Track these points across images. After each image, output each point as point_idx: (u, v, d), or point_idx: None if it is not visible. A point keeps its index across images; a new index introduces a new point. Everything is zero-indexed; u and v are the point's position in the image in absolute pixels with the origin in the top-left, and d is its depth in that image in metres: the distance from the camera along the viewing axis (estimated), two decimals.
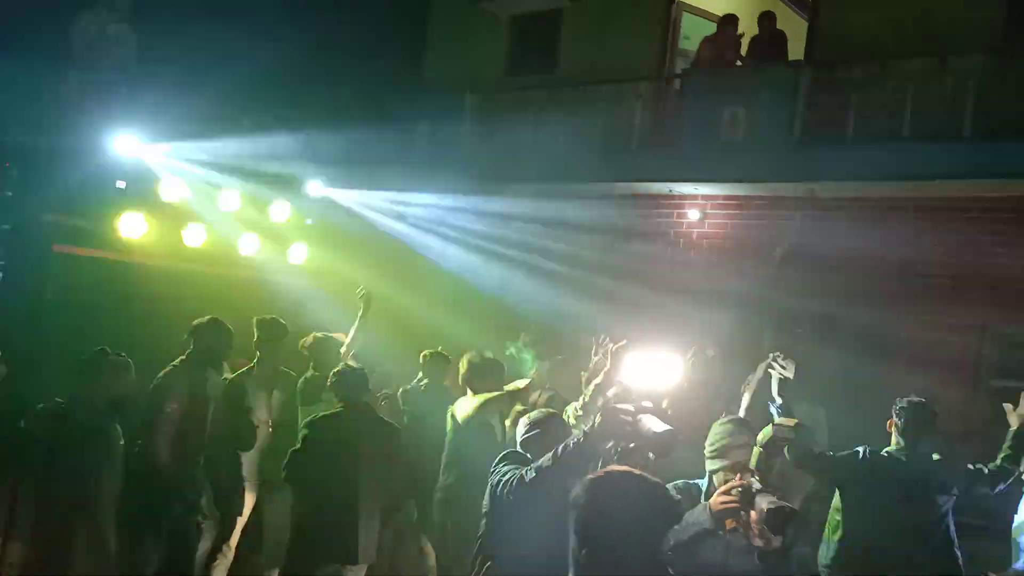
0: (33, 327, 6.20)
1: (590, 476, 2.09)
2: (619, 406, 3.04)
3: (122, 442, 4.27)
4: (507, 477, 3.41)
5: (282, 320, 5.85)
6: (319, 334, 6.09)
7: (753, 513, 2.90)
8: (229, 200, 7.65)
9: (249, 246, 7.81)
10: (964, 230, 7.30)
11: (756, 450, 3.24)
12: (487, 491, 3.60)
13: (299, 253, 8.24)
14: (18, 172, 7.06)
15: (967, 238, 7.28)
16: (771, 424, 3.29)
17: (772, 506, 2.80)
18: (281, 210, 8.12)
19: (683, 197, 8.66)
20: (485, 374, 5.60)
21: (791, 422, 3.30)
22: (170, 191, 7.26)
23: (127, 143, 6.89)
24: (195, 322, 5.27)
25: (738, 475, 3.06)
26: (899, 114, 7.42)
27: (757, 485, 2.93)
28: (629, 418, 3.02)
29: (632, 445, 3.16)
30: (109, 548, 4.12)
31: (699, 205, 8.57)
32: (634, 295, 8.08)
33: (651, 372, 3.21)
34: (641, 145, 8.77)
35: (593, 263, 8.69)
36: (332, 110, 9.20)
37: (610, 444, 3.19)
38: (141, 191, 7.13)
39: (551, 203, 9.06)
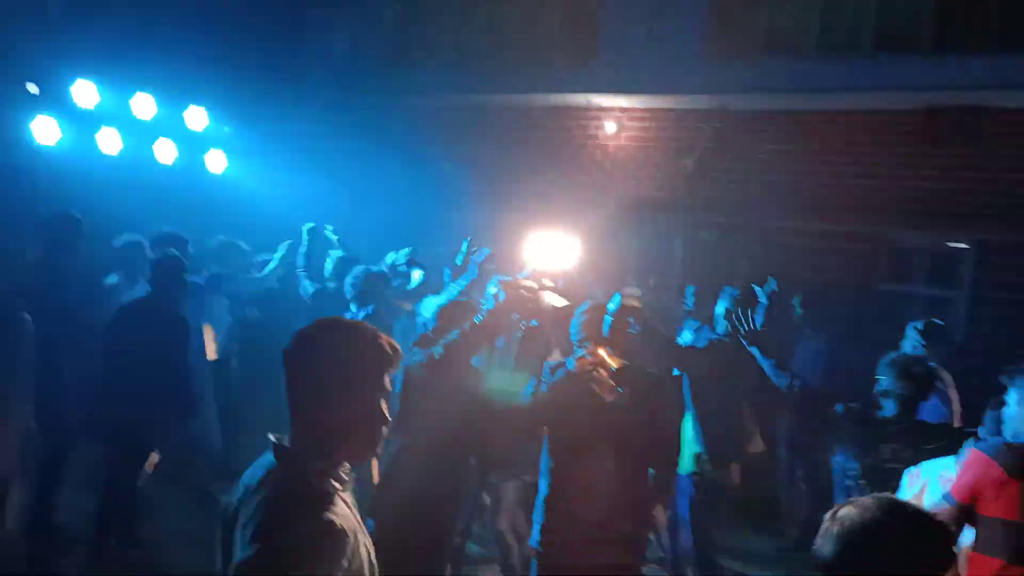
0: None
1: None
2: (521, 283, 3.26)
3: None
4: (416, 358, 3.64)
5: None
6: None
7: (604, 372, 3.31)
8: (144, 106, 7.51)
9: (165, 153, 7.72)
10: (863, 143, 7.66)
11: (607, 317, 3.58)
12: (400, 376, 3.81)
13: (217, 161, 8.18)
14: None
15: (865, 151, 7.64)
16: (619, 293, 3.61)
17: (619, 365, 3.32)
18: (197, 117, 8.01)
19: (601, 109, 8.83)
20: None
21: (637, 292, 3.64)
22: (83, 95, 7.09)
23: (38, 45, 6.70)
24: None
25: (593, 342, 3.42)
26: (806, 28, 7.70)
27: (607, 352, 3.35)
28: (531, 295, 3.27)
29: (534, 321, 3.40)
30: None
31: (616, 117, 8.76)
32: (551, 206, 8.30)
33: (551, 252, 3.44)
34: (559, 57, 8.87)
35: (509, 174, 8.86)
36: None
37: (515, 319, 3.42)
38: (52, 96, 6.94)
39: (467, 113, 9.19)
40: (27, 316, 4.27)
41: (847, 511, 1.68)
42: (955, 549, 1.69)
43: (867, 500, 1.69)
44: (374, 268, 5.70)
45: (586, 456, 3.52)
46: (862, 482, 3.67)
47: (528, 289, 3.26)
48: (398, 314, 5.81)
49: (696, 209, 8.18)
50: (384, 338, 1.97)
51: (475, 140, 9.26)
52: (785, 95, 7.77)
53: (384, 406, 1.96)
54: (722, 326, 4.84)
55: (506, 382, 3.57)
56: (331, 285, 6.12)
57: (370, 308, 5.25)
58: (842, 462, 3.89)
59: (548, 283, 3.30)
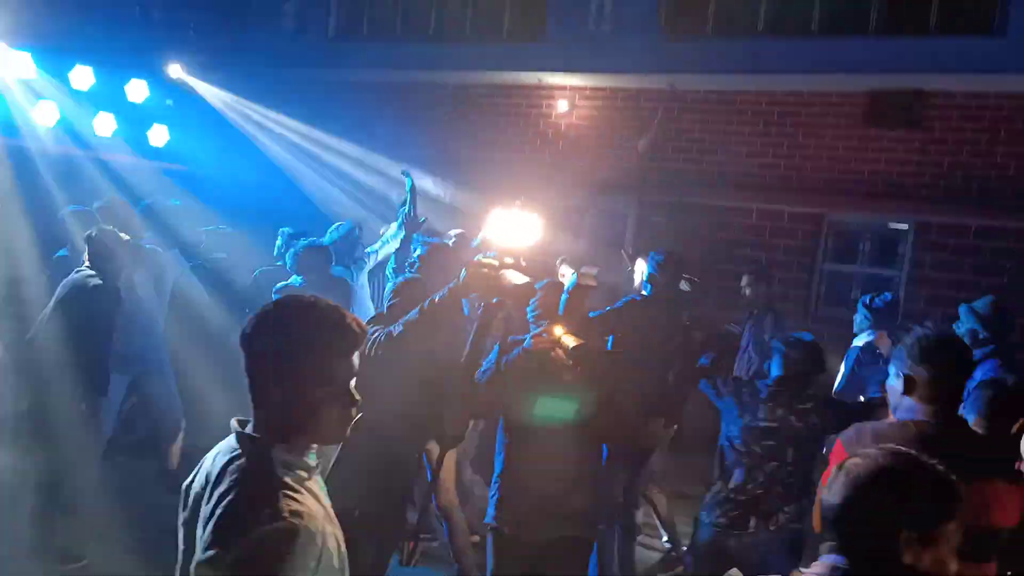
0: None
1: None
2: (483, 261, 3.24)
3: None
4: (375, 336, 3.60)
5: None
6: None
7: (561, 351, 3.33)
8: (81, 77, 7.27)
9: (104, 126, 7.49)
10: (809, 124, 7.78)
11: (563, 296, 3.60)
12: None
13: (159, 135, 7.97)
14: None
15: (811, 132, 7.77)
16: (577, 273, 3.64)
17: (574, 343, 3.28)
18: (138, 90, 7.79)
19: (552, 88, 8.82)
20: None
21: (594, 270, 3.66)
22: (20, 67, 6.83)
23: None
24: None
25: (550, 320, 3.44)
26: (756, 10, 7.79)
27: (563, 330, 3.36)
28: (492, 272, 3.25)
29: (495, 299, 3.38)
30: None
31: (567, 96, 8.75)
32: (502, 183, 8.28)
33: (512, 230, 3.42)
34: (509, 34, 8.83)
35: (459, 152, 8.81)
36: None
37: (474, 297, 3.41)
38: None
39: (416, 90, 9.10)
40: None
41: (855, 461, 1.73)
42: (959, 499, 1.73)
43: (873, 450, 1.75)
44: (316, 241, 5.66)
45: (541, 433, 3.54)
46: (740, 443, 3.85)
47: (489, 267, 3.23)
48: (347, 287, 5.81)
49: (647, 188, 8.23)
50: (350, 316, 1.93)
51: (424, 117, 9.18)
52: (734, 76, 7.83)
53: (352, 386, 1.91)
54: (648, 289, 5.04)
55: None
56: (279, 263, 6.06)
57: (300, 279, 5.20)
58: (724, 428, 4.01)
59: (509, 260, 3.28)
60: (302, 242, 5.55)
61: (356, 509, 3.54)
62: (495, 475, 3.70)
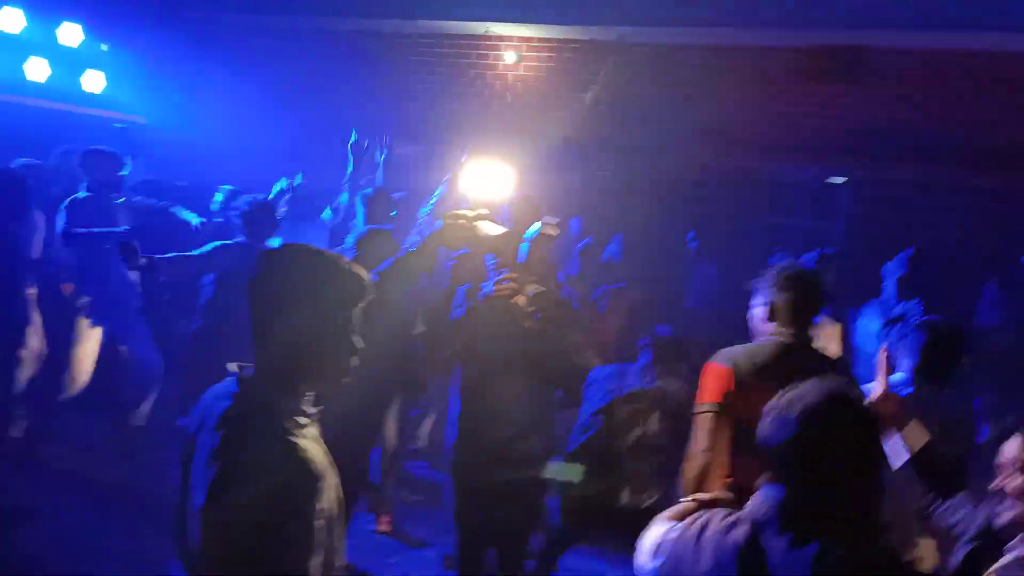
0: None
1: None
2: (457, 212, 3.27)
3: None
4: None
5: None
6: None
7: (522, 297, 3.43)
8: (12, 21, 6.94)
9: (37, 72, 7.19)
10: (748, 79, 7.89)
11: (524, 245, 3.67)
12: None
13: (95, 81, 7.69)
14: None
15: (750, 87, 7.88)
16: (540, 221, 3.71)
17: (535, 291, 3.45)
18: (71, 33, 7.47)
19: (500, 38, 8.76)
20: None
21: (554, 220, 3.74)
22: None
23: None
24: None
25: (510, 268, 3.55)
26: None
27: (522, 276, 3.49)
28: (466, 223, 3.28)
29: (468, 250, 3.44)
30: None
31: (515, 47, 8.72)
32: (450, 138, 8.25)
33: (486, 182, 3.45)
34: None
35: (405, 103, 8.72)
36: None
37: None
38: None
39: (360, 38, 8.95)
40: None
41: (791, 396, 1.80)
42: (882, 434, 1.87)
43: (809, 384, 1.82)
44: (260, 197, 5.58)
45: (497, 378, 3.63)
46: None
47: (464, 218, 3.27)
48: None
49: (594, 143, 8.31)
50: (358, 267, 1.96)
51: (369, 66, 9.03)
52: (680, 28, 7.90)
53: (355, 337, 1.94)
54: None
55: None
56: (219, 220, 5.95)
57: (243, 238, 5.15)
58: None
59: (483, 212, 3.32)
60: (243, 198, 5.41)
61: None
62: (450, 420, 3.79)
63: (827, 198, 7.97)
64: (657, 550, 1.93)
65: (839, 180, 7.84)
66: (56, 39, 7.42)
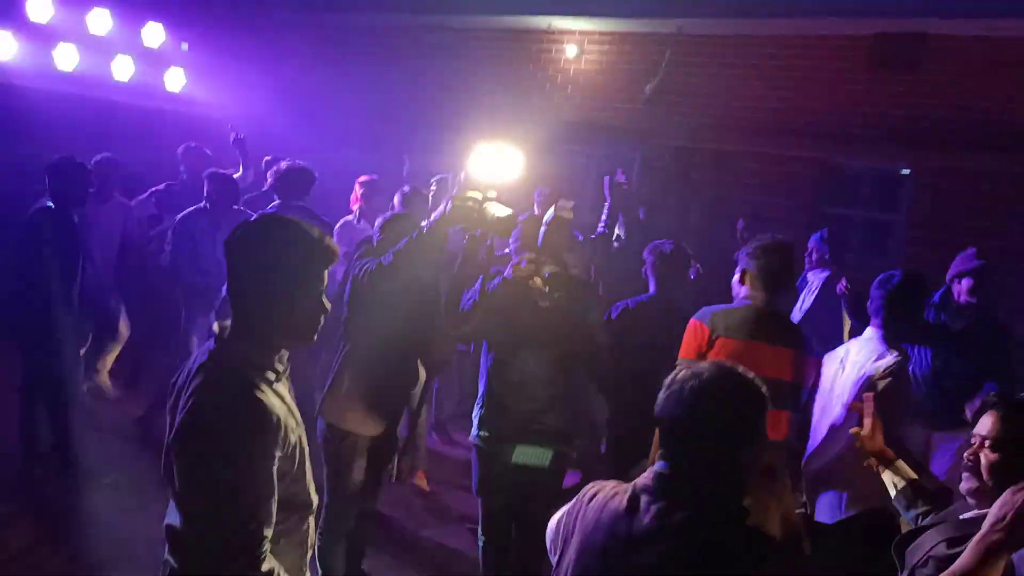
0: None
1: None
2: (467, 194, 3.43)
3: None
4: (366, 266, 3.83)
5: None
6: None
7: (538, 279, 3.58)
8: (99, 21, 7.47)
9: (123, 70, 7.71)
10: (811, 68, 7.81)
11: (542, 228, 3.82)
12: (349, 284, 4.00)
13: (175, 79, 8.18)
14: None
15: (813, 76, 7.80)
16: (555, 206, 3.83)
17: (551, 272, 3.58)
18: (154, 34, 7.98)
19: (561, 32, 8.89)
20: None
21: (570, 203, 3.85)
22: (38, 10, 7.04)
23: None
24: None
25: (529, 250, 3.67)
26: None
27: (541, 258, 3.63)
28: (475, 205, 3.44)
29: (479, 231, 3.59)
30: None
31: (576, 40, 8.83)
32: (512, 127, 8.41)
33: (495, 164, 3.60)
34: None
35: (470, 95, 8.94)
36: None
37: (458, 228, 3.61)
38: (7, 9, 6.89)
39: (428, 33, 9.21)
40: None
41: (686, 375, 1.88)
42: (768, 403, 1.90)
43: (705, 364, 1.91)
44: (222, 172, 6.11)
45: (519, 355, 3.78)
46: None
47: (473, 199, 3.42)
48: None
49: (652, 132, 8.35)
50: (326, 236, 2.14)
51: (437, 60, 9.30)
52: (740, 20, 7.87)
53: (323, 298, 2.13)
54: None
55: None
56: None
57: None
58: None
59: (492, 194, 3.46)
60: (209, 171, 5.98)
61: (348, 430, 3.82)
62: (479, 396, 3.96)
63: (890, 188, 7.78)
64: (557, 520, 2.06)
65: (903, 170, 7.65)
66: (140, 39, 7.93)
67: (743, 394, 1.86)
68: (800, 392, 3.49)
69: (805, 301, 5.86)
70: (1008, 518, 1.79)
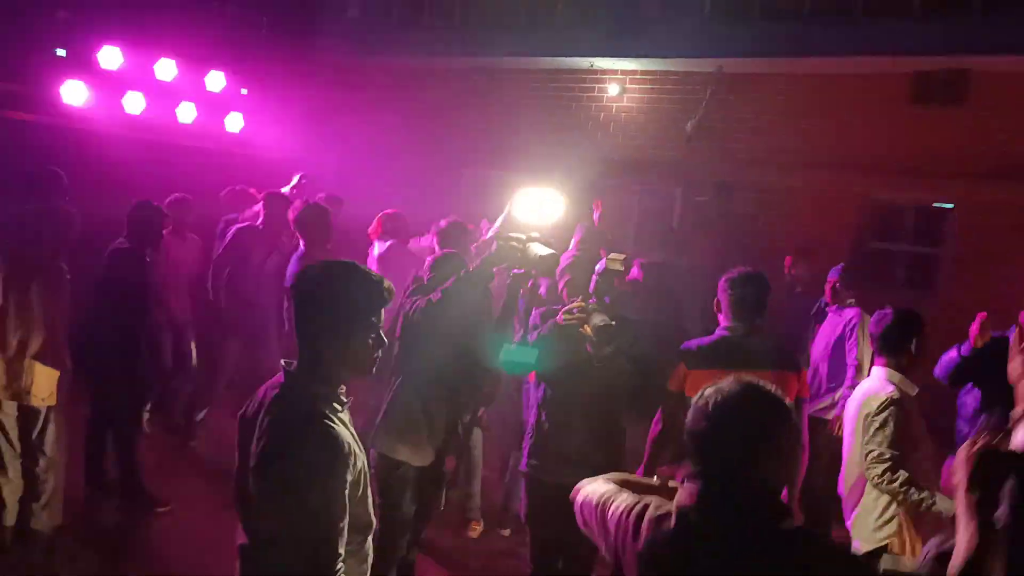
0: None
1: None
2: (511, 235, 3.63)
3: (68, 278, 4.71)
4: (417, 303, 4.04)
5: None
6: None
7: (587, 328, 3.67)
8: (165, 69, 7.90)
9: (186, 114, 8.12)
10: (854, 105, 7.91)
11: (595, 277, 4.01)
12: (401, 321, 4.21)
13: (235, 122, 8.58)
14: None
15: (856, 112, 7.90)
16: (605, 257, 4.01)
17: (601, 323, 3.62)
18: (216, 80, 8.40)
19: (604, 72, 9.12)
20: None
21: (621, 256, 4.03)
22: (108, 59, 7.49)
23: (64, 12, 7.09)
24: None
25: (579, 297, 3.81)
26: None
27: (593, 306, 3.73)
28: (519, 245, 3.64)
29: (522, 269, 3.78)
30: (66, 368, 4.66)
31: (618, 80, 9.05)
32: (555, 164, 8.64)
33: (538, 207, 3.80)
34: (563, 20, 9.15)
35: (515, 134, 9.20)
36: None
37: (503, 267, 3.80)
38: (81, 59, 7.34)
39: (474, 75, 9.51)
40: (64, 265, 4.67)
41: (710, 390, 1.97)
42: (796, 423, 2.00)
43: (728, 380, 1.98)
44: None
45: (569, 394, 3.93)
46: None
47: (516, 239, 3.62)
48: None
49: (694, 169, 8.50)
50: (384, 279, 2.33)
51: (482, 101, 9.60)
52: (781, 58, 8.01)
53: (380, 335, 2.32)
54: None
55: (516, 354, 3.96)
56: None
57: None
58: None
59: (535, 234, 3.65)
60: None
61: (400, 461, 4.01)
62: (528, 427, 4.13)
63: (934, 223, 7.82)
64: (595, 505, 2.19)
65: (946, 205, 7.68)
66: (204, 85, 8.36)
67: (763, 405, 1.94)
68: None
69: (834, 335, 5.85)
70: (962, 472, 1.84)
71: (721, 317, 3.90)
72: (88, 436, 5.35)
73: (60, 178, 5.21)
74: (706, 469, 1.93)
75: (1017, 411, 2.06)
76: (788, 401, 1.95)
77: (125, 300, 5.15)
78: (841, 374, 5.72)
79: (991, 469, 1.81)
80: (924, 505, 3.36)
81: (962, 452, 1.86)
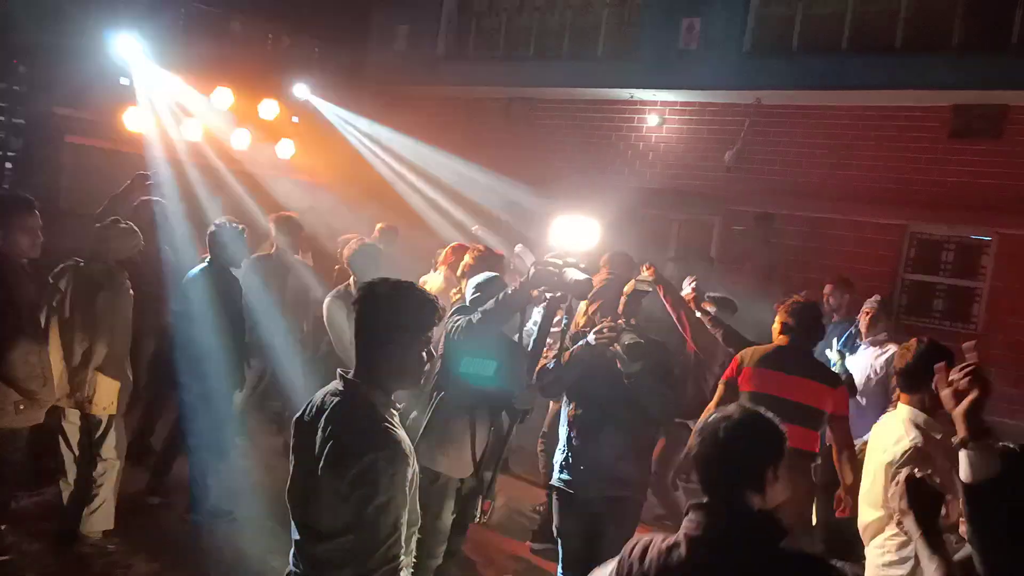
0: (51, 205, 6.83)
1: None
2: (548, 259, 3.80)
3: (131, 292, 4.90)
4: (458, 322, 4.22)
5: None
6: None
7: (618, 346, 3.82)
8: (221, 98, 8.26)
9: (240, 141, 8.46)
10: (891, 138, 7.99)
11: (623, 298, 4.15)
12: (443, 338, 4.40)
13: (286, 149, 8.90)
14: (25, 68, 7.63)
15: (894, 145, 7.97)
16: (634, 279, 4.16)
17: (631, 341, 3.80)
18: (269, 108, 8.74)
19: (643, 103, 9.31)
20: None
21: (649, 278, 4.18)
22: (168, 88, 7.87)
23: (127, 42, 7.45)
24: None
25: (609, 317, 3.97)
26: (840, 27, 8.08)
27: (622, 325, 3.90)
28: (556, 270, 3.81)
29: (558, 293, 3.94)
30: (127, 379, 4.87)
31: (658, 111, 9.23)
32: (596, 193, 8.81)
33: (574, 233, 3.97)
34: (605, 52, 9.38)
35: (557, 164, 9.41)
36: None
37: (540, 290, 3.97)
38: (142, 87, 7.71)
39: (518, 106, 9.75)
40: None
41: (715, 418, 2.09)
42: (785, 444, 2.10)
43: (732, 407, 2.13)
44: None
45: (600, 412, 4.08)
46: None
47: (553, 264, 3.79)
48: None
49: (732, 199, 8.62)
50: (438, 299, 2.54)
51: (526, 131, 9.84)
52: (819, 91, 8.12)
53: (431, 350, 2.51)
54: None
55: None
56: None
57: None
58: None
59: (571, 260, 3.82)
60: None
61: (440, 473, 4.17)
62: (560, 444, 4.28)
63: (972, 255, 7.83)
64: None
65: (984, 237, 7.70)
66: (258, 113, 8.71)
67: (765, 433, 2.08)
68: (820, 415, 4.32)
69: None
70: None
71: (776, 333, 4.55)
72: (166, 445, 5.48)
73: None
74: (714, 492, 2.04)
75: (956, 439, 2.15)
76: (827, 411, 2.08)
77: (212, 320, 5.16)
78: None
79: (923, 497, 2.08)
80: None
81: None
